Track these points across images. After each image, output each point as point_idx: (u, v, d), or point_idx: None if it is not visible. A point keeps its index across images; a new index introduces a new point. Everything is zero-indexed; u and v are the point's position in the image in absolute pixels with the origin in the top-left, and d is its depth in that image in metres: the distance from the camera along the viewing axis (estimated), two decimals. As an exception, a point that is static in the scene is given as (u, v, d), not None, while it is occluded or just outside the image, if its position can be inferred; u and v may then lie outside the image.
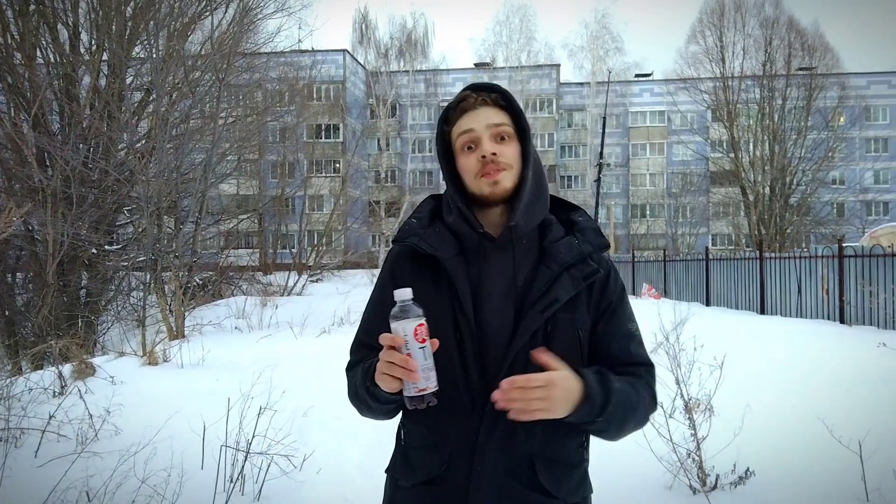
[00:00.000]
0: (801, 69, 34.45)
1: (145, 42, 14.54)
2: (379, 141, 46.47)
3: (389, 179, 46.68)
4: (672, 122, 48.65)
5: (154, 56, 13.71)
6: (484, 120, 1.53)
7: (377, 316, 1.58)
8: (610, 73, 40.17)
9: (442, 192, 1.66)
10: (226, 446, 4.13)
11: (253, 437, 4.11)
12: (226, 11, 15.94)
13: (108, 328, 14.63)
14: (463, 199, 1.55)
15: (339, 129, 44.31)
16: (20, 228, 13.56)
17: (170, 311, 11.55)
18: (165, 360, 8.13)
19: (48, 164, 13.79)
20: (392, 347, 1.35)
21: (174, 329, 11.07)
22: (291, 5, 17.17)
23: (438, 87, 45.88)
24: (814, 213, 35.40)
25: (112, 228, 15.47)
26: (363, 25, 46.00)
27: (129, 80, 15.12)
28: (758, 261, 13.56)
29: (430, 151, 45.71)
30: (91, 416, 5.04)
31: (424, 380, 1.34)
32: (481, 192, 1.52)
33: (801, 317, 11.89)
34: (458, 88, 51.37)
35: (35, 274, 14.12)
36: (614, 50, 48.66)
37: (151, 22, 14.11)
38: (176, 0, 14.81)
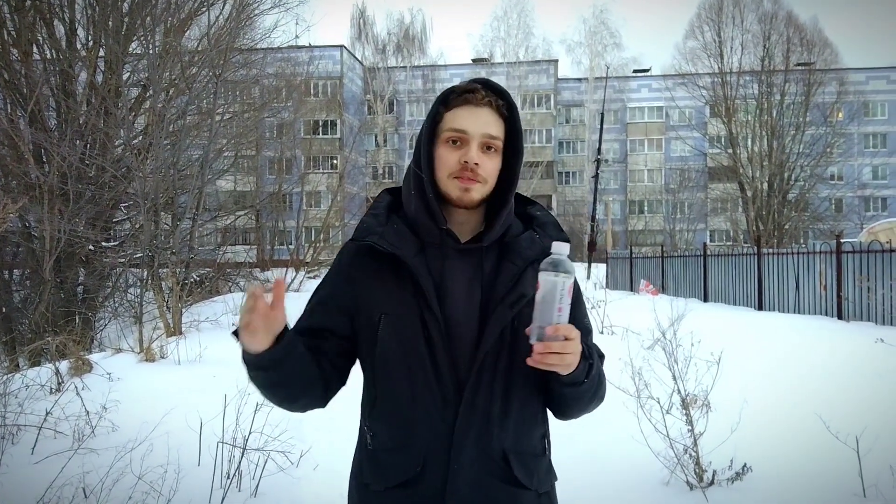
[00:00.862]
0: (799, 65, 34.45)
1: (142, 38, 14.49)
2: (376, 137, 46.44)
3: (387, 176, 46.66)
4: (670, 117, 48.68)
5: (151, 52, 13.67)
6: (482, 125, 1.48)
7: (325, 309, 1.54)
8: (608, 68, 40.25)
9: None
10: (222, 443, 4.12)
11: (249, 433, 4.10)
12: (223, 7, 15.87)
13: (106, 325, 14.60)
14: (433, 190, 1.50)
15: (336, 125, 44.25)
16: (17, 225, 13.55)
17: (167, 307, 11.52)
18: (162, 357, 8.12)
19: (45, 160, 13.75)
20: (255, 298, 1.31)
21: (171, 325, 11.04)
22: (288, 1, 17.00)
23: (436, 82, 45.80)
24: (812, 209, 35.43)
25: (109, 225, 15.45)
26: (361, 21, 46.02)
27: (125, 77, 15.09)
28: (756, 257, 13.55)
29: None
30: (88, 412, 5.03)
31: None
32: (449, 192, 1.49)
33: (799, 313, 11.89)
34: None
35: (32, 270, 14.10)
36: (612, 45, 48.70)
37: (148, 18, 14.06)
38: (172, -4, 14.76)
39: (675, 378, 4.32)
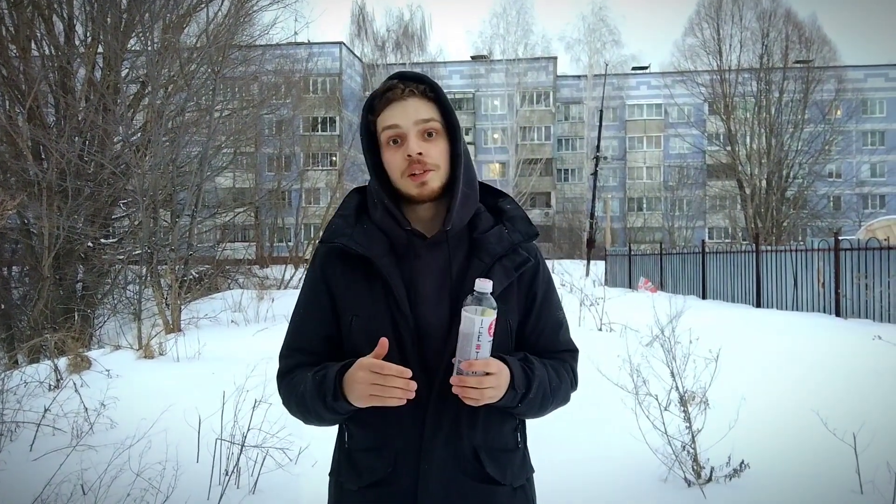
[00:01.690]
0: (798, 62, 34.44)
1: (140, 34, 14.47)
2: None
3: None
4: (669, 115, 48.69)
5: (149, 48, 13.65)
6: (412, 114, 1.48)
7: (311, 318, 1.56)
8: (607, 65, 40.24)
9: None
10: (221, 439, 4.12)
11: (248, 430, 4.10)
12: (221, 3, 15.85)
13: (105, 322, 14.60)
14: (389, 194, 1.51)
15: (335, 122, 44.23)
16: (16, 222, 13.54)
17: (166, 304, 11.52)
18: (161, 354, 8.12)
19: (43, 157, 13.73)
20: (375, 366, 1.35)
21: (170, 322, 11.05)
22: (287, -3, 16.95)
23: (435, 80, 45.71)
24: (810, 207, 35.44)
25: (108, 222, 15.44)
26: (360, 18, 46.01)
27: (124, 73, 15.06)
28: (754, 254, 13.57)
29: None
30: (86, 409, 5.03)
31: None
32: (408, 191, 1.49)
33: (798, 310, 11.91)
34: (455, 81, 51.40)
35: (31, 267, 14.10)
36: (611, 43, 48.82)
37: (146, 14, 14.03)
38: (171, -8, 14.73)
39: (673, 375, 4.33)
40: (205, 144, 14.44)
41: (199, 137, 14.99)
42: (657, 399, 4.21)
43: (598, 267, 25.93)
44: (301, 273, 24.77)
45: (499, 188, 1.70)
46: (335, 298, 1.52)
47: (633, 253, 21.46)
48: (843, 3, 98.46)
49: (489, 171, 48.40)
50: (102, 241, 14.66)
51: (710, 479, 3.93)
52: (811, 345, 7.33)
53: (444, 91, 1.55)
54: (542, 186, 48.48)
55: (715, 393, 4.69)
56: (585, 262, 27.82)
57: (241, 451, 4.04)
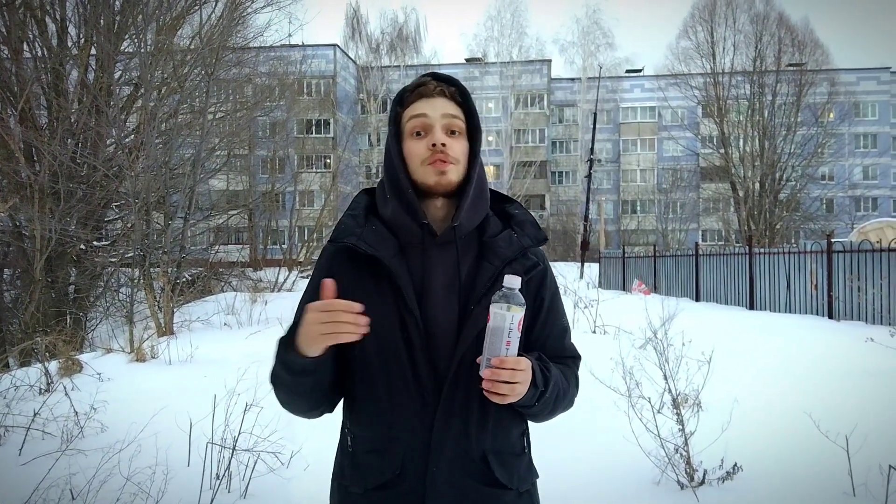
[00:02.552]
0: (791, 65, 34.57)
1: (133, 36, 14.43)
2: (370, 136, 46.39)
3: (380, 175, 46.58)
4: (662, 117, 48.81)
5: (143, 50, 13.60)
6: (440, 109, 1.51)
7: None
8: (601, 68, 40.30)
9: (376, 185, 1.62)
10: (212, 443, 4.09)
11: (239, 434, 4.08)
12: (215, 5, 15.83)
13: (97, 325, 14.55)
14: (410, 185, 1.51)
15: (329, 124, 44.17)
16: (8, 224, 13.47)
17: (158, 307, 11.49)
18: (153, 357, 8.09)
19: (35, 159, 13.67)
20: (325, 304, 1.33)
21: (162, 325, 11.01)
22: (281, -1, 16.94)
23: (430, 82, 45.72)
24: (803, 209, 35.58)
25: (100, 224, 15.38)
26: (354, 20, 45.95)
27: (117, 75, 15.00)
28: (747, 256, 13.60)
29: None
30: (76, 413, 5.00)
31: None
32: (426, 180, 1.49)
33: (790, 312, 11.94)
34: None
35: (22, 270, 14.03)
36: (605, 45, 48.86)
37: (140, 16, 13.98)
38: (164, -6, 14.69)
39: (666, 377, 4.32)
40: (198, 146, 14.38)
41: (193, 139, 14.93)
42: (650, 401, 4.21)
43: (592, 269, 25.96)
44: (295, 275, 24.74)
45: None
46: (341, 296, 1.50)
47: (626, 255, 21.48)
48: (836, 6, 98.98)
49: (486, 175, 48.28)
50: (95, 243, 14.59)
51: (702, 482, 3.92)
52: (804, 347, 7.34)
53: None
54: (536, 189, 48.54)
55: (708, 395, 4.69)
56: (579, 264, 27.86)
57: (233, 454, 4.01)
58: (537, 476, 1.62)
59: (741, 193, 33.32)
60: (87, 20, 14.58)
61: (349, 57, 46.82)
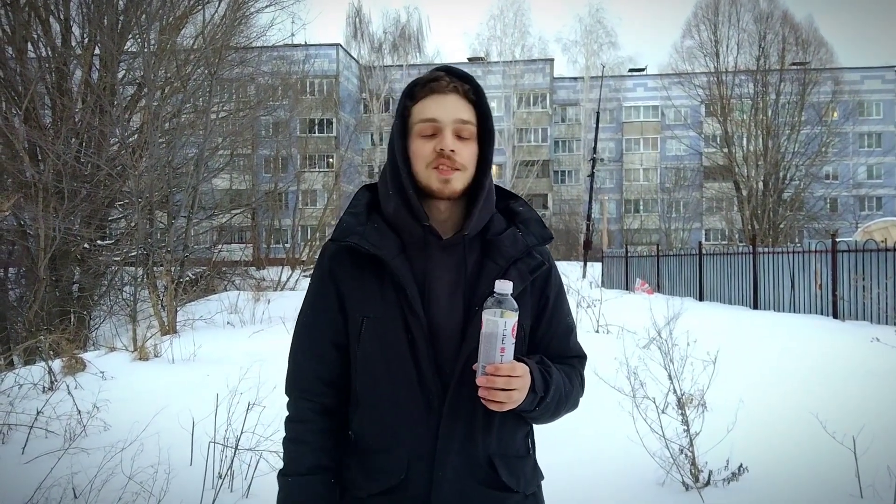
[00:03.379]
0: (794, 64, 34.48)
1: (137, 36, 14.44)
2: (372, 136, 46.39)
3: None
4: (666, 116, 48.74)
5: (146, 50, 13.62)
6: (452, 112, 1.45)
7: (318, 322, 1.52)
8: (604, 67, 40.22)
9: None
10: (214, 442, 4.08)
11: (241, 433, 4.07)
12: (218, 5, 15.84)
13: (100, 323, 14.55)
14: (412, 185, 1.47)
15: (332, 123, 44.18)
16: (12, 223, 13.49)
17: (161, 306, 11.48)
18: (156, 356, 8.09)
19: (40, 158, 13.70)
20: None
21: (166, 324, 11.01)
22: (284, -1, 16.95)
23: (432, 81, 45.71)
24: (807, 208, 35.46)
25: (104, 223, 15.39)
26: (357, 19, 46.00)
27: (120, 75, 15.02)
28: (751, 256, 13.57)
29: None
30: (79, 411, 4.99)
31: None
32: (430, 184, 1.45)
33: (795, 312, 11.90)
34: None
35: (27, 269, 14.05)
36: (608, 45, 48.88)
37: (143, 16, 14.00)
38: (168, -7, 14.70)
39: (670, 377, 4.30)
40: (201, 146, 14.39)
41: (196, 139, 14.95)
42: (654, 402, 4.18)
43: (595, 268, 25.91)
44: (297, 274, 24.75)
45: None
46: (344, 299, 1.48)
47: (629, 254, 21.45)
48: (840, 5, 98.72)
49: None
50: (98, 242, 14.61)
51: (707, 483, 3.90)
52: (809, 347, 7.31)
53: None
54: (538, 188, 48.51)
55: (713, 396, 4.67)
56: (582, 263, 27.80)
57: (235, 454, 4.00)
58: (542, 477, 1.60)
59: (745, 192, 33.23)
60: (90, 20, 14.59)
61: (352, 56, 46.84)
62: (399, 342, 1.41)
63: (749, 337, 7.98)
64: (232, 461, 3.99)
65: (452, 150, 1.43)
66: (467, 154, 1.46)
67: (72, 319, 12.70)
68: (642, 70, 51.50)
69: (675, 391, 4.22)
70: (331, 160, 42.65)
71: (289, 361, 1.58)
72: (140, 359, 7.97)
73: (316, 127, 43.49)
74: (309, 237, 32.10)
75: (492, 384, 1.33)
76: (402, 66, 45.49)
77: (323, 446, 1.50)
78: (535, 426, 1.59)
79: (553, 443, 4.38)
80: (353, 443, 1.51)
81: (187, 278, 15.88)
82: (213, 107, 15.89)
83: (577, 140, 51.14)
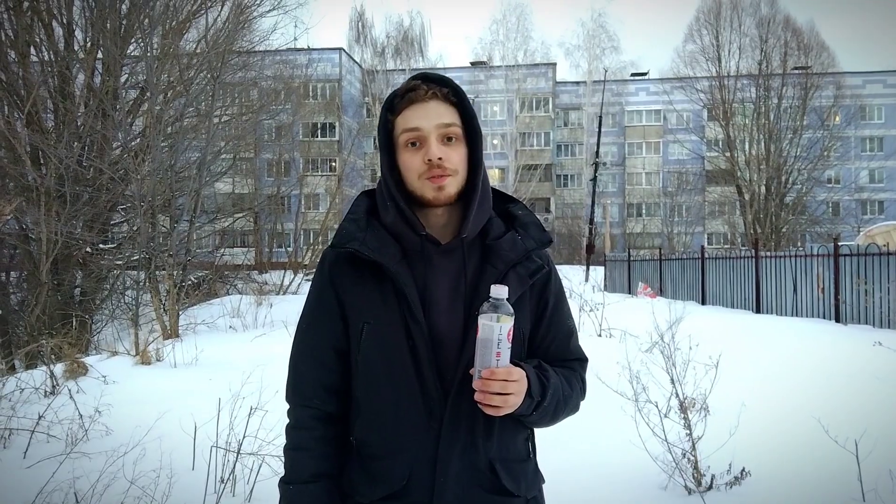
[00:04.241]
0: (796, 68, 34.49)
1: (140, 40, 14.46)
2: (375, 140, 46.20)
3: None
4: (668, 121, 48.72)
5: (149, 54, 13.63)
6: (434, 118, 1.44)
7: (318, 329, 1.52)
8: (606, 71, 40.27)
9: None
10: (216, 447, 4.08)
11: (244, 437, 4.06)
12: (221, 9, 15.87)
13: (102, 327, 14.55)
14: (404, 197, 1.47)
15: (335, 127, 44.26)
16: (14, 227, 13.51)
17: (164, 310, 11.48)
18: (158, 360, 8.07)
19: (42, 162, 13.71)
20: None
21: (168, 328, 11.00)
22: (287, 3, 16.96)
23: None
24: (809, 212, 35.42)
25: (106, 227, 15.40)
26: (360, 24, 46.04)
27: (123, 79, 15.04)
28: (753, 259, 13.55)
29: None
30: (81, 416, 4.98)
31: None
32: (424, 194, 1.45)
33: (797, 315, 11.88)
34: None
35: (29, 273, 14.05)
36: (611, 49, 48.97)
37: (146, 20, 14.02)
38: (170, -2, 14.74)
39: (673, 381, 4.30)
40: (204, 150, 14.42)
41: (198, 143, 14.97)
42: (657, 406, 4.18)
43: (598, 272, 25.91)
44: (300, 278, 24.75)
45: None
46: (344, 305, 1.48)
47: (632, 258, 21.44)
48: (842, 9, 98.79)
49: (489, 177, 48.36)
50: (101, 246, 14.63)
51: (710, 487, 3.90)
52: (811, 351, 7.29)
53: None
54: (541, 192, 48.51)
55: (715, 399, 4.66)
56: (585, 267, 27.79)
57: (237, 458, 4.00)
58: (543, 481, 1.59)
59: (747, 197, 33.23)
60: (93, 24, 14.61)
61: (354, 60, 46.92)
62: (400, 348, 1.41)
63: (751, 341, 7.96)
64: (234, 466, 3.98)
65: (440, 158, 1.43)
66: (456, 157, 1.46)
67: (73, 323, 12.71)
68: (644, 74, 51.50)
69: (677, 395, 4.21)
70: (333, 164, 42.73)
71: (289, 369, 1.58)
72: (142, 363, 7.95)
73: (318, 131, 43.59)
74: (311, 241, 32.15)
75: (487, 388, 1.33)
76: (404, 70, 45.52)
77: (324, 453, 1.50)
78: (535, 430, 1.58)
79: (555, 446, 4.37)
80: (355, 449, 1.50)
81: (189, 282, 15.90)
82: (216, 111, 15.92)
83: (580, 144, 51.13)
